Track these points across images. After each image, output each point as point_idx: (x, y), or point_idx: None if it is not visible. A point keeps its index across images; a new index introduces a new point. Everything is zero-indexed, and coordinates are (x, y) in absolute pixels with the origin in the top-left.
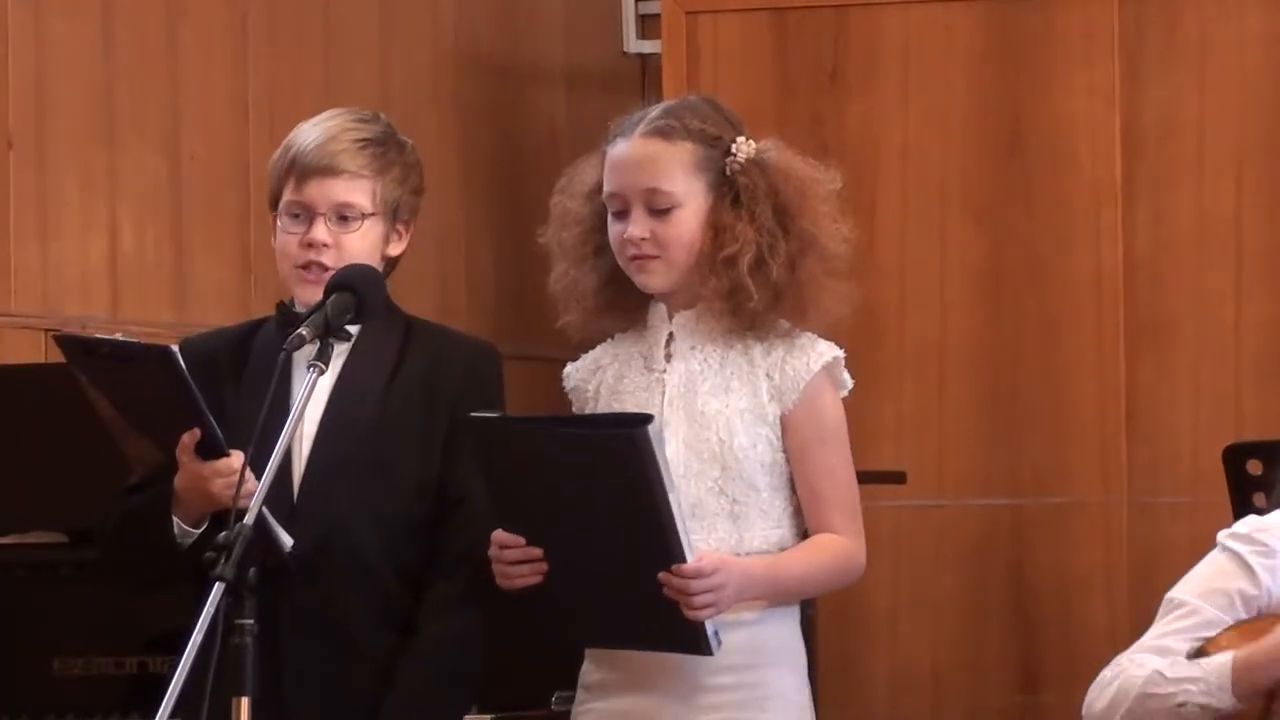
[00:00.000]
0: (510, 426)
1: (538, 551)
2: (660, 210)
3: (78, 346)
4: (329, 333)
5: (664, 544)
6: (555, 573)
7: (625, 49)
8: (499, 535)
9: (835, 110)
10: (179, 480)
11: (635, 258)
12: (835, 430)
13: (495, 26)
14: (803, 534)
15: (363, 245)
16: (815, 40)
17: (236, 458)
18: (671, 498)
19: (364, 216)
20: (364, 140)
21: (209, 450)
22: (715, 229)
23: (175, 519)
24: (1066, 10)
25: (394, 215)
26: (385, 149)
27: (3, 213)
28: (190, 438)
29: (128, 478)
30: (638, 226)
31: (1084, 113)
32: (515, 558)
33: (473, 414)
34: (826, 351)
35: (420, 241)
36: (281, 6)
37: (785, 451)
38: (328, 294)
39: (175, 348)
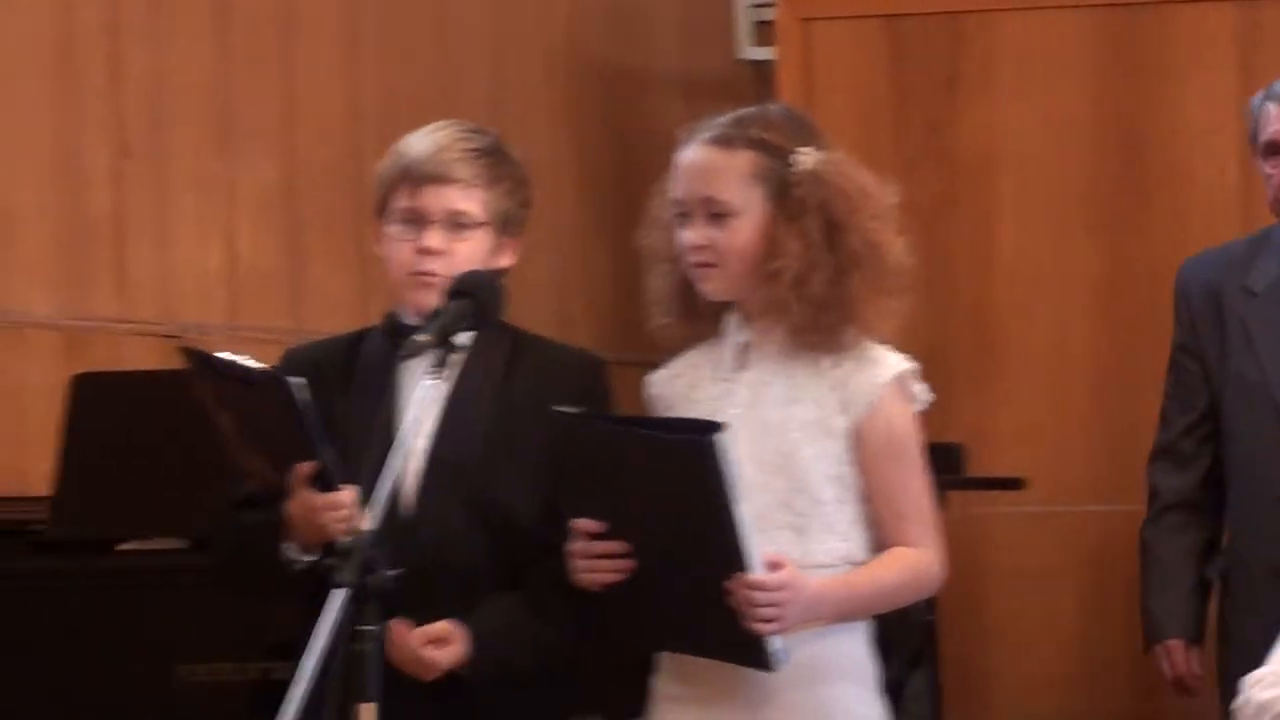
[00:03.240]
0: (591, 424)
1: (624, 546)
2: (718, 218)
3: (201, 360)
4: (447, 340)
5: (730, 552)
6: (631, 572)
7: (740, 55)
8: (582, 522)
9: (951, 117)
10: (292, 507)
11: (696, 265)
12: (907, 442)
13: (608, 32)
14: (871, 546)
15: (475, 254)
16: (931, 47)
17: (349, 493)
18: (740, 507)
19: (477, 225)
20: (476, 150)
21: (323, 482)
22: (769, 240)
23: (286, 545)
24: (1182, 15)
25: (503, 227)
26: (496, 160)
27: (120, 220)
28: (306, 468)
29: (239, 486)
30: (696, 233)
31: (1201, 118)
32: (606, 549)
33: (555, 408)
34: (897, 364)
35: (536, 248)
36: (395, 14)
37: (855, 465)
38: (446, 300)
39: (299, 380)
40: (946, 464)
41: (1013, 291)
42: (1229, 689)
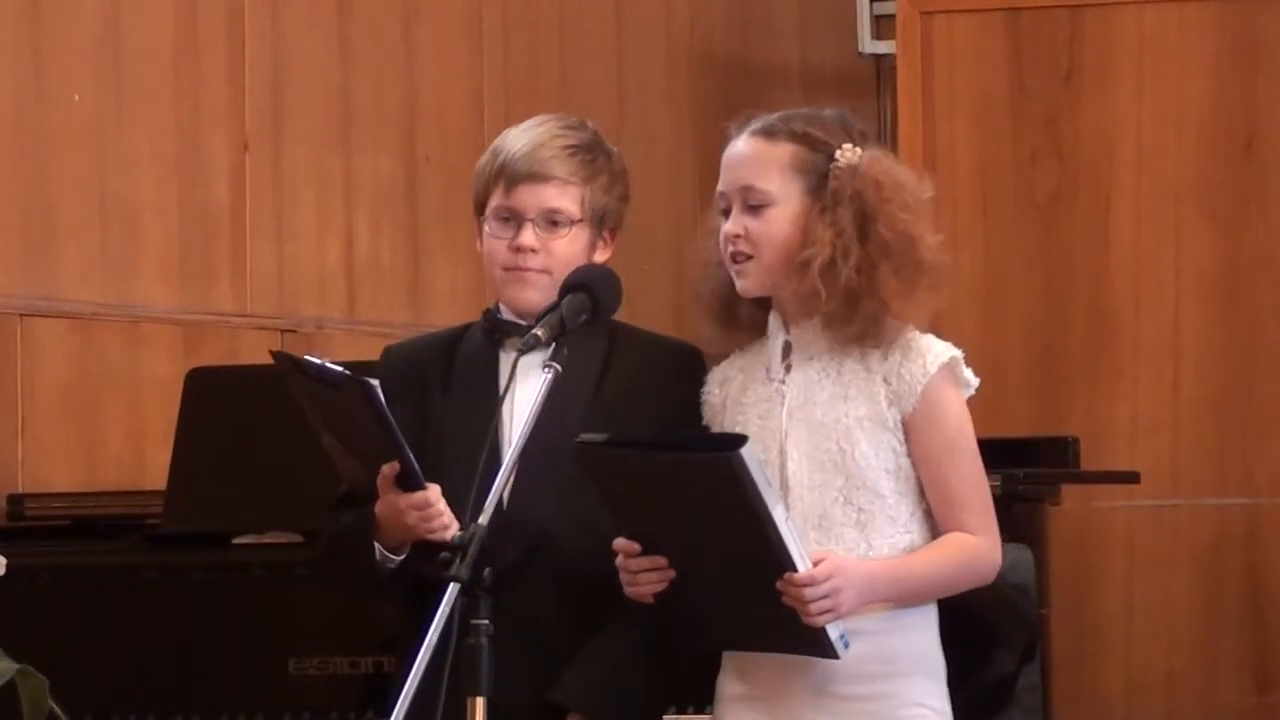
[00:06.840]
0: (615, 451)
1: (662, 560)
2: (754, 208)
3: (290, 364)
4: (564, 333)
5: (774, 556)
6: (681, 580)
7: (860, 49)
8: (620, 543)
9: (1069, 110)
10: (379, 508)
11: (732, 256)
12: (959, 430)
13: (730, 26)
14: (934, 537)
15: (571, 250)
16: (1050, 40)
17: (433, 492)
18: (776, 511)
19: (572, 223)
20: (572, 147)
21: (407, 483)
22: (803, 232)
23: (377, 544)
24: None
25: (600, 222)
26: (593, 156)
27: (239, 214)
28: (390, 469)
29: (339, 485)
30: (733, 223)
31: None
32: (641, 566)
33: (579, 439)
34: (944, 352)
35: (655, 240)
36: (516, 8)
37: (910, 456)
38: (563, 294)
39: (376, 382)
40: (1062, 458)
41: (1129, 285)
42: None
